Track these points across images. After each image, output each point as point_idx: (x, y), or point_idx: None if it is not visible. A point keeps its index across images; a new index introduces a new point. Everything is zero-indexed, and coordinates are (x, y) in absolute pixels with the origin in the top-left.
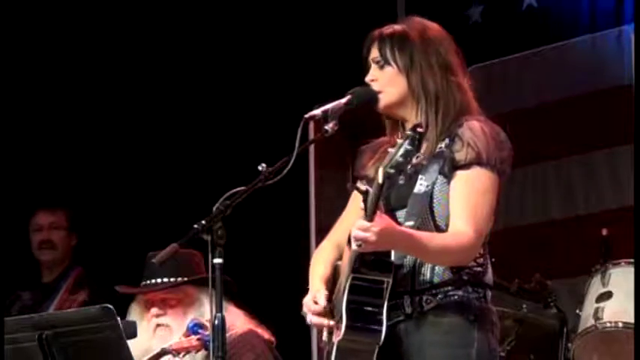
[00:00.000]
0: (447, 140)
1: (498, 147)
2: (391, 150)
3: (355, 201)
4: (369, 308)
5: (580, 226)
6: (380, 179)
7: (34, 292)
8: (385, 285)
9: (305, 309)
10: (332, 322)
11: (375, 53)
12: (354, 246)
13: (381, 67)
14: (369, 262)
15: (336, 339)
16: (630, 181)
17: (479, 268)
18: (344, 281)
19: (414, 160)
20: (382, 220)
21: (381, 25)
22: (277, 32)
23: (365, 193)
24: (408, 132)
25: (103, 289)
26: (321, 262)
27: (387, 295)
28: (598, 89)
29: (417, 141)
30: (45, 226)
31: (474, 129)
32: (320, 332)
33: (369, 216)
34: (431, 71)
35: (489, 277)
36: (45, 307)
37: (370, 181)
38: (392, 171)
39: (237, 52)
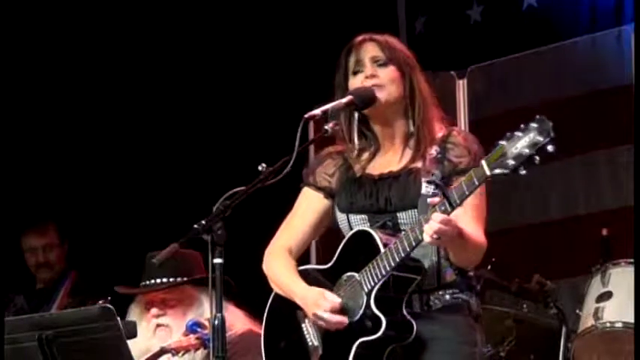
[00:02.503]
0: (435, 147)
1: (482, 152)
2: (503, 142)
3: (306, 205)
4: (398, 307)
5: (580, 226)
6: (488, 171)
7: (29, 297)
8: (412, 285)
9: (317, 310)
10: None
11: (375, 52)
12: (429, 239)
13: (381, 66)
14: (407, 263)
15: (356, 339)
16: (630, 181)
17: (472, 273)
18: (366, 281)
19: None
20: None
21: (382, 25)
22: (277, 33)
23: (444, 187)
24: (534, 124)
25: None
26: (289, 267)
27: (407, 296)
28: (598, 89)
29: (552, 133)
30: (39, 248)
31: (467, 136)
32: (299, 333)
33: (454, 209)
34: (422, 79)
35: (475, 283)
36: (43, 312)
37: (375, 179)
38: (513, 162)
39: (237, 52)
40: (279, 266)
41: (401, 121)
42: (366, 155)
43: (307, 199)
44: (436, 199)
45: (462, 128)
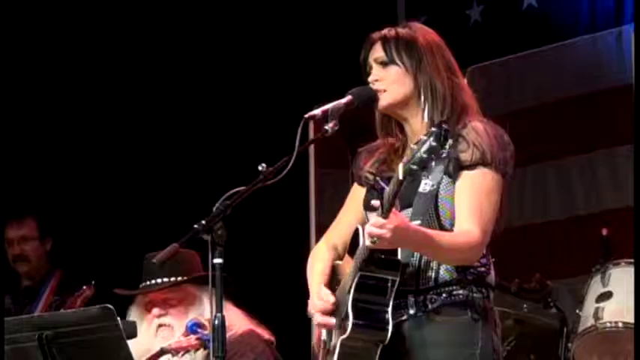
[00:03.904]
0: (450, 141)
1: (502, 148)
2: (413, 146)
3: (353, 201)
4: (376, 307)
5: (580, 226)
6: (400, 175)
7: (15, 297)
8: (392, 283)
9: (311, 309)
10: (335, 321)
11: (378, 53)
12: (368, 243)
13: (385, 66)
14: (378, 260)
15: (339, 338)
16: (630, 181)
17: (482, 269)
18: (349, 280)
19: (442, 157)
20: (397, 217)
21: (381, 25)
22: (277, 33)
23: (380, 191)
24: (433, 129)
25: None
26: (318, 263)
27: (393, 294)
28: (598, 89)
29: (443, 138)
30: (15, 240)
31: (479, 130)
32: (318, 332)
33: (385, 213)
34: (438, 72)
35: (492, 277)
36: (29, 311)
37: (384, 179)
38: (415, 167)
39: (237, 52)
40: (312, 263)
41: (419, 117)
42: (400, 150)
43: (354, 194)
44: (378, 202)
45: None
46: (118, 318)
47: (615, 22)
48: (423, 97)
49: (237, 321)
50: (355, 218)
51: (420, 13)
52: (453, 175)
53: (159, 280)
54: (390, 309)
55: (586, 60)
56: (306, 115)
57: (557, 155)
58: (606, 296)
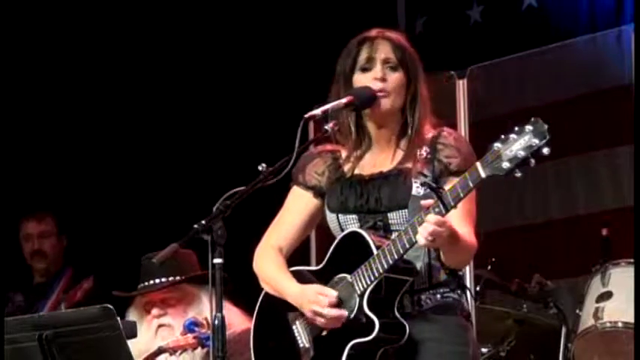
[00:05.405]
0: (425, 147)
1: (473, 153)
2: (498, 144)
3: (297, 203)
4: (389, 310)
5: (580, 226)
6: (483, 173)
7: (27, 294)
8: (403, 288)
9: (314, 307)
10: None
11: (388, 54)
12: (423, 240)
13: (392, 69)
14: (400, 265)
15: (349, 340)
16: (630, 181)
17: (461, 273)
18: (358, 283)
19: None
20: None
21: (381, 25)
22: (277, 33)
23: (438, 189)
24: (529, 127)
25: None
26: (280, 268)
27: (400, 296)
28: (598, 89)
29: (548, 135)
30: (34, 236)
31: (457, 138)
32: (289, 334)
33: (448, 211)
34: (424, 83)
35: (464, 281)
36: (38, 307)
37: (358, 180)
38: (509, 165)
39: (237, 52)
40: (270, 265)
41: (397, 124)
42: (357, 154)
43: (297, 198)
44: (430, 201)
45: (462, 128)
46: (118, 318)
47: (615, 22)
48: (409, 108)
49: (236, 320)
50: (298, 220)
51: (420, 14)
52: (439, 180)
53: (157, 281)
54: (395, 310)
55: (586, 60)
56: (306, 115)
57: (557, 155)
58: (606, 296)
